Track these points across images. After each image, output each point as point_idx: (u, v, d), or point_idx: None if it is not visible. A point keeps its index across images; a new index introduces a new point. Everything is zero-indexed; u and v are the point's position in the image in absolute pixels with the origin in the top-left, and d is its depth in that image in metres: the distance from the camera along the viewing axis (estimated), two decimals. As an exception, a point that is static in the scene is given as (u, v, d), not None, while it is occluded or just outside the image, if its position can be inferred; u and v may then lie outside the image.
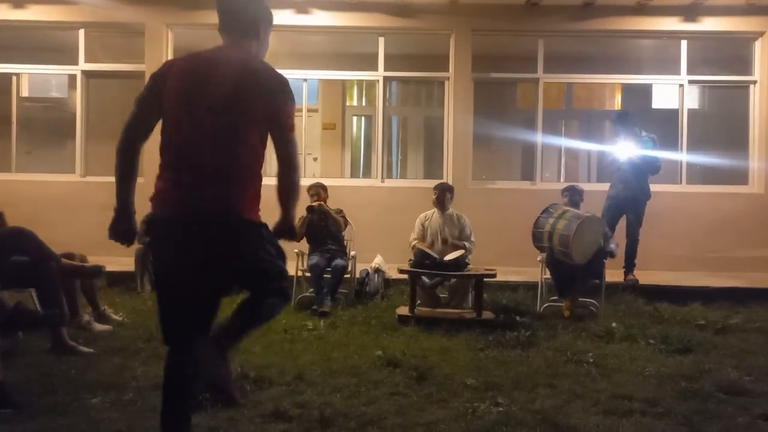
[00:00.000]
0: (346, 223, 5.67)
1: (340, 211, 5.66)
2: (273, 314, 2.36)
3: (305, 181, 7.29)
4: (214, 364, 2.16)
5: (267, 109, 2.12)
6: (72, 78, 7.87)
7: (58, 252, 3.97)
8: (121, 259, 6.07)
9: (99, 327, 4.25)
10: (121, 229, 2.34)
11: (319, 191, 5.62)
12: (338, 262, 5.35)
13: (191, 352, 2.15)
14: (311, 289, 5.31)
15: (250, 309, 2.27)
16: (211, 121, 2.09)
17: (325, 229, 5.53)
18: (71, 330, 3.94)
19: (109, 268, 4.75)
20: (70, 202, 7.18)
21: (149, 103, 2.23)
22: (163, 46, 7.38)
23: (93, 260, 4.51)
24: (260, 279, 2.23)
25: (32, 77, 8.90)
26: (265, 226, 2.23)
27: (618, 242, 5.64)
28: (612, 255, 5.33)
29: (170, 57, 7.46)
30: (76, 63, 7.53)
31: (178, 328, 2.17)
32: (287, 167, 2.19)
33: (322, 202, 5.54)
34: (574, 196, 5.45)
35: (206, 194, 2.10)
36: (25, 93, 8.89)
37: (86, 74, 7.59)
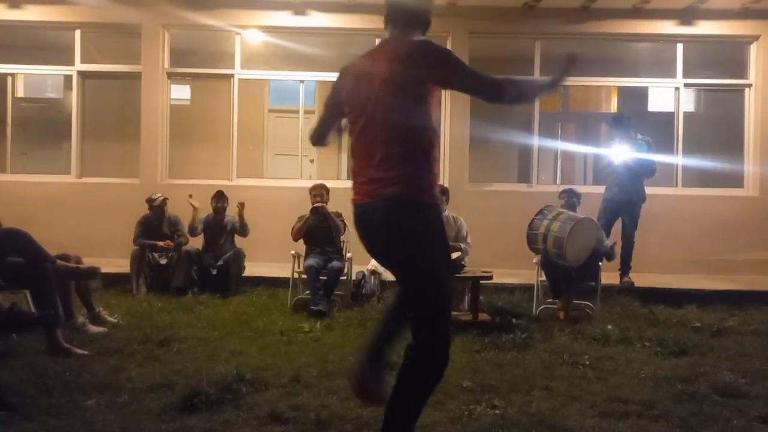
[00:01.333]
0: (345, 227, 5.66)
1: (339, 215, 5.65)
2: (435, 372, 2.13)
3: (306, 183, 7.31)
4: None
5: (426, 75, 2.14)
6: (68, 78, 7.85)
7: (53, 253, 3.95)
8: (117, 261, 6.07)
9: (94, 329, 4.22)
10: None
11: (322, 192, 5.60)
12: (334, 263, 5.35)
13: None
14: (307, 291, 5.30)
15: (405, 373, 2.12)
16: (380, 106, 2.15)
17: (323, 232, 5.52)
18: (66, 332, 3.92)
19: (104, 269, 4.75)
20: (66, 203, 7.16)
21: (332, 102, 2.41)
22: (159, 47, 7.36)
23: (88, 262, 4.49)
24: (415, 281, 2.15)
25: (28, 77, 8.87)
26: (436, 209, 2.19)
27: (615, 241, 5.65)
28: (610, 257, 5.34)
29: (167, 58, 7.47)
30: (72, 63, 7.51)
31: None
32: (498, 94, 2.23)
33: (324, 205, 5.52)
34: (571, 198, 5.46)
35: (381, 180, 2.13)
36: (20, 93, 8.86)
37: (82, 75, 7.57)
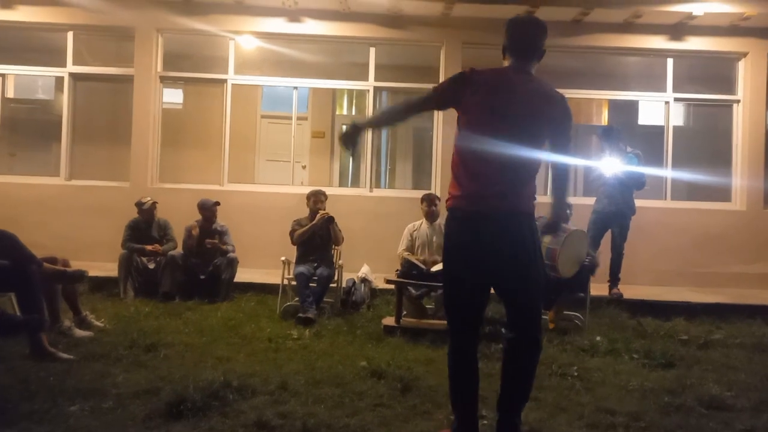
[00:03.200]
0: (342, 237, 5.62)
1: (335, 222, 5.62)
2: (534, 362, 2.56)
3: (297, 189, 7.30)
4: None
5: (556, 127, 2.50)
6: (59, 80, 7.80)
7: (40, 256, 3.91)
8: (105, 264, 6.01)
9: (80, 333, 4.18)
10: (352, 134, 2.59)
11: (321, 199, 5.58)
12: (324, 270, 5.33)
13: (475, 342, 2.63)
14: (296, 298, 5.28)
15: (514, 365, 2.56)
16: (516, 136, 2.44)
17: (321, 239, 5.50)
18: (51, 335, 3.87)
19: (91, 273, 4.71)
20: (55, 206, 7.10)
21: (443, 97, 2.57)
22: (152, 51, 7.35)
23: (76, 265, 4.45)
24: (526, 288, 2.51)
25: (18, 78, 8.82)
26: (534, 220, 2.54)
27: (596, 257, 5.62)
28: (591, 272, 5.33)
29: (160, 61, 7.45)
30: (63, 65, 7.46)
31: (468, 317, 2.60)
32: (563, 172, 2.61)
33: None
34: (563, 210, 5.47)
35: (507, 196, 2.47)
36: (10, 94, 8.80)
37: (74, 77, 7.52)
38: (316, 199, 5.58)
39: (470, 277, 2.49)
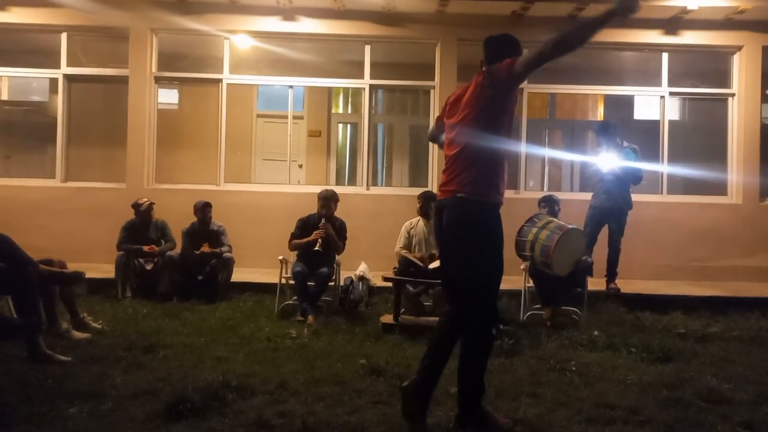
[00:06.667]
0: (345, 243, 5.48)
1: (343, 225, 5.52)
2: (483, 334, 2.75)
3: (295, 188, 7.29)
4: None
5: (484, 91, 2.76)
6: (53, 82, 7.76)
7: (36, 258, 3.90)
8: (102, 266, 6.00)
9: (77, 335, 4.17)
10: None
11: (330, 204, 5.42)
12: (322, 269, 5.31)
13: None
14: (295, 297, 5.28)
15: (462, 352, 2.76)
16: (456, 125, 2.86)
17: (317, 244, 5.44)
18: (49, 338, 3.87)
19: (89, 275, 4.70)
20: (50, 208, 7.07)
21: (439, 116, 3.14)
22: (147, 51, 7.31)
23: (73, 267, 4.45)
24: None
25: (13, 80, 8.78)
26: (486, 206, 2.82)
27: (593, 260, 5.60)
28: (589, 272, 5.34)
29: (154, 62, 7.42)
30: (57, 66, 7.43)
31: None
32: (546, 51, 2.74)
33: (328, 230, 5.30)
34: (552, 206, 5.48)
35: (449, 183, 2.82)
36: (5, 96, 8.78)
37: (68, 78, 7.48)
38: (325, 203, 5.41)
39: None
